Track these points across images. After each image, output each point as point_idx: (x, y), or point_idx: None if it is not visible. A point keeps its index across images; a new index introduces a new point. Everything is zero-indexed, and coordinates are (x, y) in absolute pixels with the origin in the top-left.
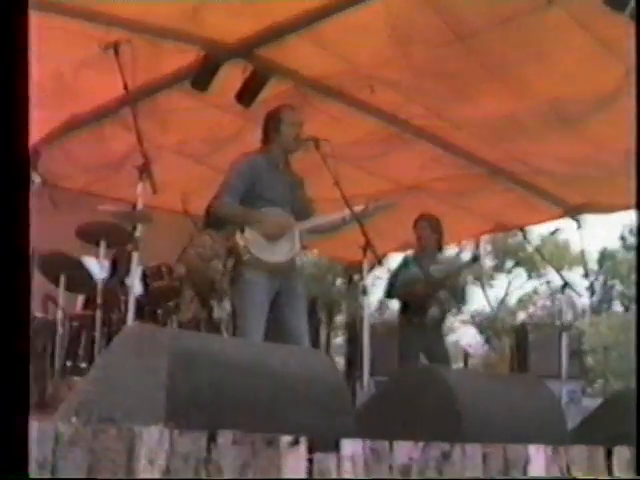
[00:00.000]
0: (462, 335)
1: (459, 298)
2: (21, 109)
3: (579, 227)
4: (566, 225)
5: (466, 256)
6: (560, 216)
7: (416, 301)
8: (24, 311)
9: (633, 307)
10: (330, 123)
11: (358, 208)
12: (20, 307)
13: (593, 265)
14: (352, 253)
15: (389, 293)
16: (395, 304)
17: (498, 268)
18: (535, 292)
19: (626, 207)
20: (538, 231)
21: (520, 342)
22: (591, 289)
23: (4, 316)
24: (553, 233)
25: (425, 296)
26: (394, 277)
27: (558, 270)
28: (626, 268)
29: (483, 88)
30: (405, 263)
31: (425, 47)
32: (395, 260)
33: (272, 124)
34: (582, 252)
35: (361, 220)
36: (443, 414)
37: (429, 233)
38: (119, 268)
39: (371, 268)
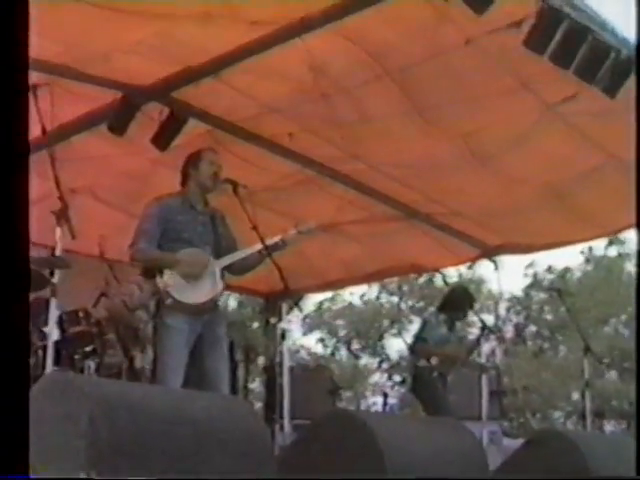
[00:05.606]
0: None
1: None
2: None
3: (496, 268)
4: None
5: None
6: (478, 257)
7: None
8: None
9: (546, 346)
10: (245, 166)
11: (276, 238)
12: None
13: (505, 305)
14: (269, 286)
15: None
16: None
17: (414, 310)
18: None
19: (542, 248)
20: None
21: None
22: (503, 329)
23: None
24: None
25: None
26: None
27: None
28: (537, 309)
29: (401, 129)
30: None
31: (344, 89)
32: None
33: (192, 162)
34: (499, 293)
35: (282, 249)
36: (366, 457)
37: None
38: (33, 313)
39: (288, 310)
